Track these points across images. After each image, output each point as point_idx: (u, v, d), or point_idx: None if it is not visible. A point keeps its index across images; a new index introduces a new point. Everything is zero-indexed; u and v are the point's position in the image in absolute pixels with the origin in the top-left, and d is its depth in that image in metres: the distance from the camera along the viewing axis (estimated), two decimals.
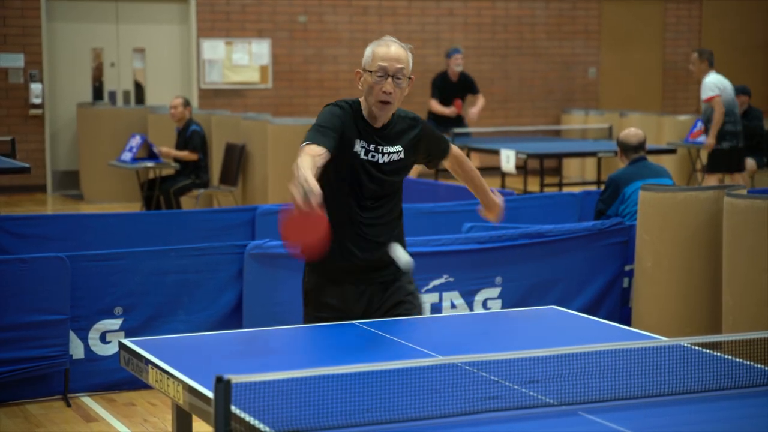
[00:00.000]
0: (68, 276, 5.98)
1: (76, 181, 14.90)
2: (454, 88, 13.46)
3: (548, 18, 17.70)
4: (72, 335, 6.06)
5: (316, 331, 3.91)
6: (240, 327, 6.19)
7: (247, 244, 6.34)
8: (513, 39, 17.54)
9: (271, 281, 6.23)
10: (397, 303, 4.13)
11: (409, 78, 4.06)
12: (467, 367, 3.30)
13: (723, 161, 11.01)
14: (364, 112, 4.07)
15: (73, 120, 15.10)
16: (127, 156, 11.88)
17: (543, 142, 14.17)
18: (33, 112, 14.96)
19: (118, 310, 6.17)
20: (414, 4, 16.87)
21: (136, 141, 12.01)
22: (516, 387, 3.13)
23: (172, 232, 7.68)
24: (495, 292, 6.64)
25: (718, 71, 11.17)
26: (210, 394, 3.01)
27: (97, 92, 15.58)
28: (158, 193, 11.47)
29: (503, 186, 12.65)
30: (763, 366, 3.31)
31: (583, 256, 6.86)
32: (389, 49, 4.01)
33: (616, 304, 6.96)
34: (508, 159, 11.67)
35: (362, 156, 4.03)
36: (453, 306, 6.51)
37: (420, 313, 4.21)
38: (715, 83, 10.88)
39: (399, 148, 4.11)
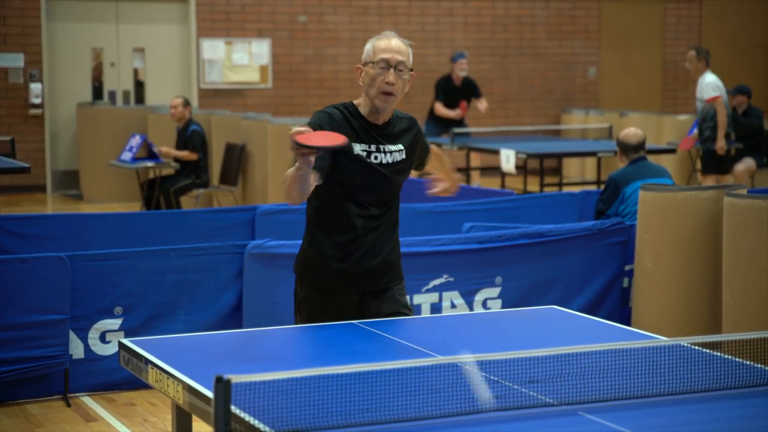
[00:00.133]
0: (68, 276, 5.98)
1: (76, 181, 14.90)
2: (457, 91, 13.51)
3: (548, 18, 17.70)
4: (72, 335, 6.06)
5: (316, 331, 3.91)
6: (240, 327, 6.19)
7: (247, 244, 6.34)
8: (513, 39, 17.54)
9: (271, 281, 6.23)
10: (392, 313, 4.10)
11: (411, 71, 4.04)
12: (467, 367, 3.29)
13: (717, 162, 11.02)
14: (364, 110, 4.05)
15: (73, 120, 15.10)
16: (127, 156, 11.89)
17: (543, 142, 14.16)
18: (33, 112, 14.96)
19: (118, 310, 6.17)
20: (414, 4, 16.87)
21: (136, 141, 12.01)
22: (516, 387, 3.13)
23: (172, 232, 7.68)
24: (495, 292, 6.64)
25: (719, 71, 11.18)
26: (210, 394, 3.01)
27: (97, 92, 15.58)
28: (158, 192, 11.47)
29: (503, 186, 12.65)
30: (763, 366, 3.31)
31: (583, 256, 6.86)
32: (390, 42, 4.01)
33: (616, 304, 6.96)
34: (508, 159, 11.67)
35: (366, 159, 4.00)
36: (453, 306, 6.51)
37: None
38: (716, 84, 10.88)
39: (400, 146, 4.09)
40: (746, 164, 11.87)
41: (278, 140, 11.66)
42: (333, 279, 4.04)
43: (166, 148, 11.65)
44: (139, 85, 15.84)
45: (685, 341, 3.49)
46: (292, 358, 3.60)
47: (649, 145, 9.84)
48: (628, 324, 6.44)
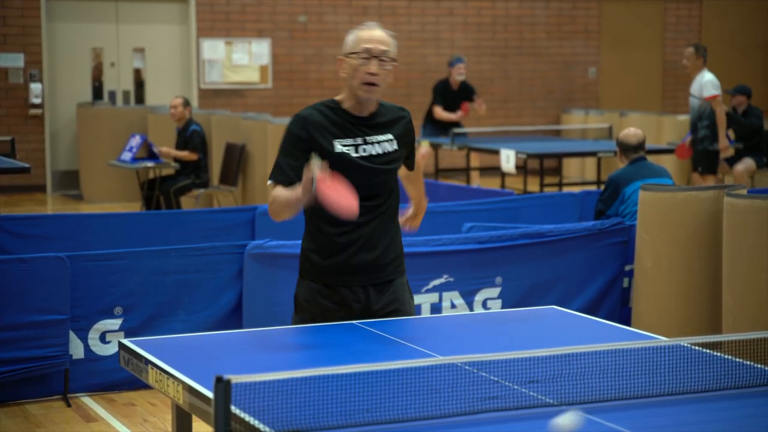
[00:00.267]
0: (68, 276, 5.98)
1: (76, 181, 14.90)
2: (455, 95, 13.54)
3: (548, 18, 17.70)
4: (72, 335, 6.07)
5: (317, 331, 3.91)
6: (240, 327, 6.19)
7: (247, 244, 6.34)
8: (513, 39, 17.54)
9: (271, 281, 6.23)
10: (393, 311, 4.08)
11: (394, 61, 3.97)
12: (467, 367, 3.30)
13: (713, 162, 11.01)
14: (347, 104, 3.99)
15: (73, 120, 15.10)
16: (127, 156, 11.89)
17: (543, 142, 14.17)
18: (33, 112, 14.96)
19: (118, 310, 6.18)
20: (414, 4, 16.87)
21: (136, 141, 12.01)
22: (516, 387, 3.13)
23: (172, 232, 7.68)
24: (495, 292, 6.64)
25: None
26: (210, 394, 3.01)
27: (97, 92, 15.58)
28: (158, 193, 11.47)
29: (503, 186, 12.65)
30: (763, 366, 3.31)
31: (583, 256, 6.86)
32: (372, 32, 3.95)
33: (616, 304, 6.96)
34: (508, 159, 11.67)
35: (352, 154, 3.94)
36: (453, 306, 6.51)
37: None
38: (716, 82, 10.86)
39: (390, 136, 4.02)
40: (746, 164, 11.86)
41: (278, 140, 11.60)
42: (333, 273, 4.01)
43: (166, 148, 11.65)
44: (139, 85, 15.84)
45: (685, 341, 3.49)
46: (292, 359, 3.60)
47: (649, 145, 9.84)
48: (628, 324, 6.44)
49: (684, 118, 15.18)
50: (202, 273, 6.32)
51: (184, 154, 11.40)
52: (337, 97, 4.05)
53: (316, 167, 3.67)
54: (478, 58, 17.21)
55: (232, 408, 2.77)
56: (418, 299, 6.41)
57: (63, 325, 5.97)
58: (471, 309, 6.54)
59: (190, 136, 11.39)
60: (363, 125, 4.00)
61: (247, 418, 2.79)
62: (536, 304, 6.17)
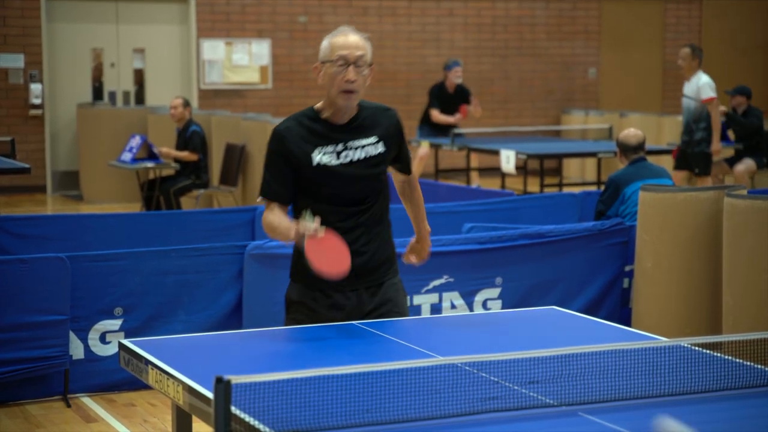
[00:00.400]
0: (68, 276, 5.98)
1: (76, 181, 14.90)
2: (451, 98, 13.57)
3: (548, 18, 17.71)
4: (72, 335, 6.07)
5: (316, 332, 3.90)
6: (240, 327, 6.19)
7: (247, 245, 6.34)
8: (513, 39, 17.54)
9: (271, 281, 6.23)
10: (386, 312, 4.07)
11: (370, 65, 3.94)
12: (467, 368, 3.30)
13: (708, 163, 11.02)
14: (327, 113, 3.96)
15: (73, 120, 15.10)
16: (127, 156, 11.89)
17: (543, 143, 14.17)
18: (33, 112, 14.96)
19: (118, 310, 6.18)
20: (414, 4, 16.87)
21: (136, 141, 12.01)
22: (516, 387, 3.13)
23: (172, 232, 7.69)
24: (495, 292, 6.64)
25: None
26: (210, 394, 3.01)
27: (97, 92, 15.58)
28: (158, 193, 11.47)
29: (503, 186, 12.65)
30: (763, 366, 3.31)
31: (583, 257, 6.86)
32: (347, 38, 3.91)
33: (616, 305, 6.96)
34: (508, 159, 11.67)
35: (333, 162, 3.91)
36: (453, 306, 6.51)
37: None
38: (712, 85, 10.86)
39: (374, 138, 3.98)
40: (746, 165, 11.86)
41: None
42: (323, 278, 3.99)
43: (166, 149, 11.65)
44: (140, 86, 15.84)
45: (685, 342, 3.49)
46: (292, 359, 3.60)
47: (649, 145, 9.84)
48: (628, 324, 6.44)
49: None
50: (202, 273, 6.32)
51: (184, 155, 11.40)
52: (316, 106, 4.01)
53: (308, 224, 3.74)
54: (478, 59, 17.21)
55: (232, 408, 2.77)
56: (418, 299, 6.41)
57: (63, 325, 5.97)
58: (471, 309, 6.54)
59: (190, 137, 11.39)
60: (343, 131, 3.96)
61: (248, 418, 2.79)
62: (536, 305, 6.17)
